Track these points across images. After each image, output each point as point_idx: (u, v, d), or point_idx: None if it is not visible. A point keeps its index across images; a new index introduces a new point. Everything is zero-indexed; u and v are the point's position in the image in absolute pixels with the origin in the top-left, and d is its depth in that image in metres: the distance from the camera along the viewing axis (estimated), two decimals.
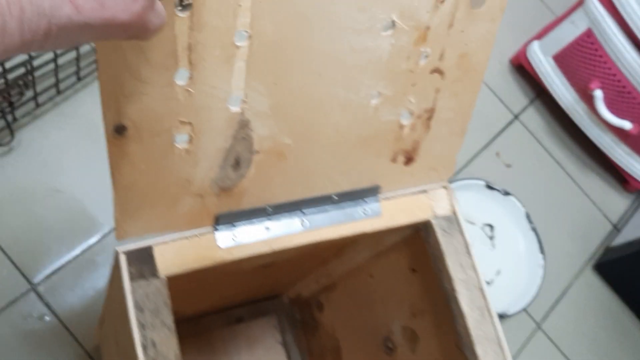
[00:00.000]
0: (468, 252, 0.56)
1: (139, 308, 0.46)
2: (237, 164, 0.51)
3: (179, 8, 0.41)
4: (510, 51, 1.36)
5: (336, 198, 0.54)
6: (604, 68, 1.15)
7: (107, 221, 0.98)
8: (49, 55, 0.91)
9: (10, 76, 0.85)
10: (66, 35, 0.28)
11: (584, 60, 1.18)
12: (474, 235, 1.18)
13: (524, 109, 1.35)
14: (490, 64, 0.58)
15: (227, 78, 0.46)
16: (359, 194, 0.55)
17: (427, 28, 0.50)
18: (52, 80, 0.96)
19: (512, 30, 1.38)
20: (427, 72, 0.53)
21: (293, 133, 0.51)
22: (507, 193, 1.19)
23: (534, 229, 1.19)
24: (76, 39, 0.29)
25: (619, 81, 1.14)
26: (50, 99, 0.99)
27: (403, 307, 0.68)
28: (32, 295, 0.92)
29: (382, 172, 0.57)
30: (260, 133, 0.49)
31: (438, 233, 0.56)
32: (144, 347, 0.46)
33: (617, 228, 1.33)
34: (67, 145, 1.00)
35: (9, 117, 0.94)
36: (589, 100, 1.21)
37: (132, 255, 0.47)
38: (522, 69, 1.35)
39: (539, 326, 1.19)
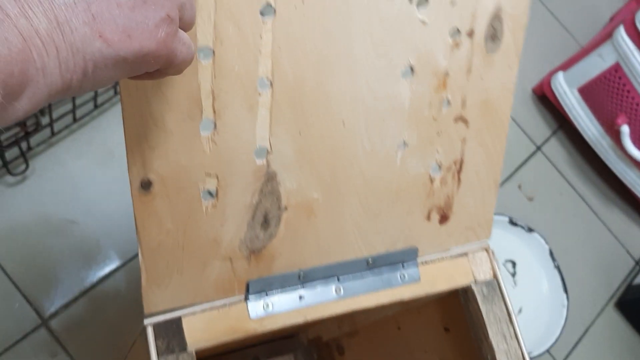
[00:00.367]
0: (510, 321, 0.53)
1: None
2: (265, 222, 0.48)
3: (202, 55, 0.41)
4: (533, 80, 1.33)
5: (372, 262, 0.52)
6: (632, 104, 1.12)
7: (120, 254, 0.95)
8: None
9: None
10: (101, 71, 0.28)
11: (611, 94, 1.15)
12: None
13: (546, 140, 1.32)
14: None
15: (251, 127, 0.45)
16: (396, 256, 0.52)
17: (446, 74, 0.50)
18: (68, 106, 0.94)
19: (535, 58, 1.35)
20: (451, 120, 0.52)
21: (321, 186, 0.49)
22: (530, 229, 1.16)
23: (558, 267, 1.16)
24: (112, 75, 0.29)
25: None
26: (67, 126, 0.97)
27: None
28: (43, 330, 0.89)
29: (417, 232, 0.54)
30: (287, 186, 0.47)
31: (479, 300, 0.53)
32: None
33: (639, 264, 1.30)
34: (82, 174, 0.97)
35: (24, 146, 0.92)
36: (614, 134, 1.18)
37: (160, 328, 0.44)
38: (545, 99, 1.32)
39: None
